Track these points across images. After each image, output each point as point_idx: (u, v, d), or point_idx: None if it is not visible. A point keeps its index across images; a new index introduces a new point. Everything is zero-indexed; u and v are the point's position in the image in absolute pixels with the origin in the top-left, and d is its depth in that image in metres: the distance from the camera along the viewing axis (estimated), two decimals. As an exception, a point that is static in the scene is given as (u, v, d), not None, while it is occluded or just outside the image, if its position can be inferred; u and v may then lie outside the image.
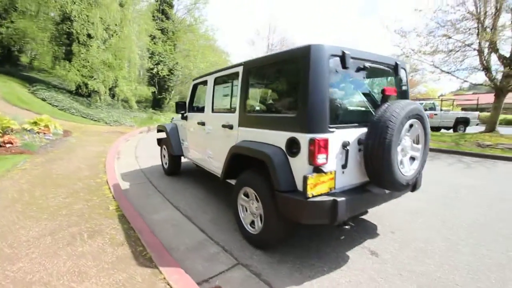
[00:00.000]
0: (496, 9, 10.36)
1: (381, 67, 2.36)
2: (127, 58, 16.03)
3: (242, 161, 2.65)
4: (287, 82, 2.28)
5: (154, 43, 18.80)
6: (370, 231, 2.86)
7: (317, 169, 1.95)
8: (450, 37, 12.01)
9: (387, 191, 2.27)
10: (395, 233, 2.83)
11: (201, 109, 4.13)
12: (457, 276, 2.12)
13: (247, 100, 2.61)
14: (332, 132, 1.98)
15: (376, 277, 2.10)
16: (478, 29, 11.04)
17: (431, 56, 11.77)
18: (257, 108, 2.64)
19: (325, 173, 1.95)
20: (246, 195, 2.58)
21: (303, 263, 2.27)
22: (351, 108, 2.25)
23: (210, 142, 3.34)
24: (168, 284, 1.86)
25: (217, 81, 3.28)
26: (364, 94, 2.30)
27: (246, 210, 2.62)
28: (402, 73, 2.57)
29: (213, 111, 3.31)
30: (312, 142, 1.90)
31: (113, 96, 16.87)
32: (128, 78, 17.23)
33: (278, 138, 2.19)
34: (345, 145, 2.06)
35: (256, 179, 2.39)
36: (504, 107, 12.35)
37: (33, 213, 2.96)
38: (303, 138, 1.96)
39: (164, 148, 5.03)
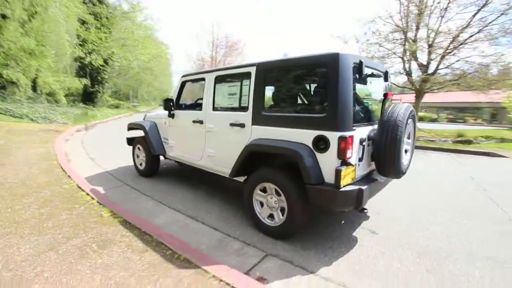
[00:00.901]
0: (416, 24, 12.51)
1: (379, 73, 2.77)
2: (54, 45, 13.79)
3: (257, 158, 2.76)
4: (312, 85, 2.48)
5: (86, 29, 16.59)
6: (360, 214, 3.31)
7: (345, 163, 2.22)
8: (381, 45, 13.99)
9: (386, 179, 2.71)
10: (380, 213, 3.35)
11: (191, 107, 4.02)
12: (437, 241, 2.69)
13: (263, 100, 2.72)
14: (354, 130, 2.28)
15: (384, 250, 2.51)
16: (404, 40, 13.14)
17: (381, 60, 13.58)
18: (276, 107, 2.78)
19: (352, 165, 2.24)
20: (263, 190, 2.71)
21: (323, 248, 2.53)
22: (363, 108, 2.60)
23: (211, 141, 3.32)
24: (221, 281, 1.89)
25: (219, 80, 3.27)
26: (369, 96, 2.68)
27: (262, 205, 2.75)
28: (388, 79, 3.05)
29: (214, 109, 3.29)
30: (342, 139, 2.16)
31: (34, 88, 14.33)
32: (54, 68, 14.88)
33: (303, 136, 2.38)
34: (362, 141, 2.39)
35: (279, 175, 2.54)
36: (421, 106, 15.01)
37: (9, 229, 2.50)
38: (333, 136, 2.20)
39: (139, 148, 4.68)
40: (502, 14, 10.70)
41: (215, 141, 3.26)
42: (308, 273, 2.16)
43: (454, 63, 12.36)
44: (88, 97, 19.43)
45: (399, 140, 2.33)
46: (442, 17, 12.54)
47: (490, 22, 10.86)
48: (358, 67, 2.32)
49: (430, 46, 13.05)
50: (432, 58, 12.98)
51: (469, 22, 11.32)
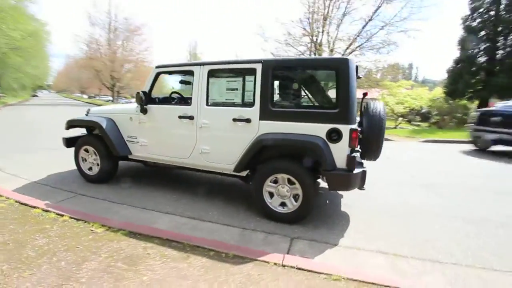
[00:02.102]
0: (322, 30, 14.60)
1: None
2: None
3: (265, 152, 2.91)
4: (324, 83, 2.78)
5: None
6: (334, 193, 3.92)
7: (353, 150, 2.67)
8: (293, 47, 15.65)
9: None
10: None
11: (168, 101, 3.68)
12: (412, 207, 3.55)
13: (271, 96, 2.86)
14: (356, 122, 2.76)
15: (371, 218, 3.15)
16: (311, 43, 15.11)
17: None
18: (285, 103, 2.94)
19: (358, 152, 2.72)
20: (274, 181, 2.90)
21: (328, 224, 2.95)
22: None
23: (205, 137, 3.19)
24: (285, 266, 2.03)
25: (213, 74, 3.15)
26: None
27: (272, 196, 2.94)
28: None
29: (208, 104, 3.17)
30: (354, 130, 2.60)
31: None
32: None
33: (316, 129, 2.69)
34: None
35: (293, 165, 2.79)
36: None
37: (-27, 270, 1.81)
38: (345, 128, 2.61)
39: (86, 150, 3.92)
40: (381, 28, 13.89)
41: (211, 137, 3.17)
42: (333, 246, 2.53)
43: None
44: None
45: (383, 130, 2.97)
46: (339, 26, 15.15)
47: (373, 34, 13.93)
48: (356, 69, 2.79)
49: (331, 50, 15.53)
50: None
51: (360, 33, 14.16)
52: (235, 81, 3.15)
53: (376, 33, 13.82)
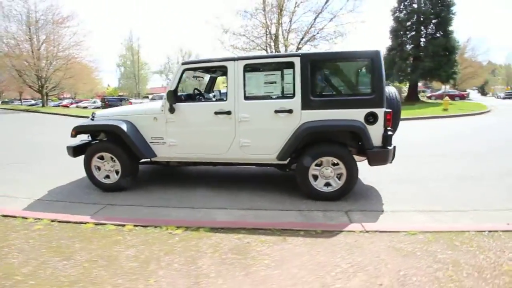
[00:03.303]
0: (277, 21, 15.06)
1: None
2: None
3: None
4: (360, 73, 3.10)
5: None
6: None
7: (387, 130, 3.12)
8: (248, 38, 15.81)
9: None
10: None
11: (194, 98, 3.62)
12: (412, 175, 4.19)
13: (311, 87, 3.10)
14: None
15: (394, 188, 3.69)
16: (266, 35, 15.48)
17: (245, 51, 15.07)
18: (325, 92, 3.20)
19: (391, 131, 3.17)
20: (318, 164, 3.20)
21: (364, 197, 3.37)
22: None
23: (245, 131, 3.28)
24: (367, 231, 2.37)
25: (249, 68, 3.22)
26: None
27: (316, 178, 3.24)
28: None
29: (246, 98, 3.25)
30: (388, 113, 3.04)
31: None
32: None
33: (354, 114, 3.05)
34: None
35: (338, 148, 3.13)
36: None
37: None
38: (380, 112, 3.03)
39: (101, 157, 3.62)
40: (330, 20, 15.00)
41: (251, 130, 3.28)
42: (380, 212, 2.97)
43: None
44: None
45: (400, 111, 3.49)
46: (291, 18, 15.83)
47: (325, 26, 14.97)
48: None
49: (285, 41, 16.18)
50: (289, 50, 16.25)
51: (312, 25, 15.06)
52: (273, 74, 3.29)
53: (327, 24, 14.89)
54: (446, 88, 23.19)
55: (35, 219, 2.76)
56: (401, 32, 21.00)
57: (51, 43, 26.33)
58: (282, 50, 16.16)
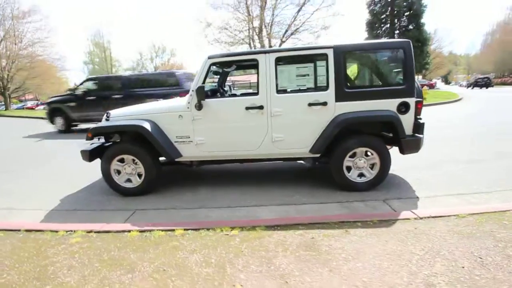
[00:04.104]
0: (261, 15, 14.91)
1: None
2: None
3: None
4: (391, 64, 3.14)
5: None
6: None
7: (417, 119, 3.21)
8: (231, 32, 15.56)
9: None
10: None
11: (218, 93, 3.47)
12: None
13: (344, 78, 3.10)
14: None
15: (418, 174, 3.83)
16: (249, 29, 15.30)
17: (229, 45, 14.81)
18: (358, 84, 3.21)
19: (420, 119, 3.26)
20: (351, 156, 3.23)
21: (394, 186, 3.45)
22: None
23: (278, 125, 3.22)
24: (423, 218, 2.44)
25: (281, 61, 3.15)
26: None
27: (350, 169, 3.27)
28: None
29: (278, 92, 3.18)
30: (419, 102, 3.12)
31: None
32: None
33: (387, 104, 3.10)
34: None
35: (372, 139, 3.17)
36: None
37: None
38: (412, 101, 3.10)
39: (122, 160, 3.39)
40: (312, 13, 15.14)
41: (284, 124, 3.22)
42: (416, 198, 3.07)
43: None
44: None
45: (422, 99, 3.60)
46: (273, 12, 15.76)
47: (307, 19, 15.09)
48: None
49: (268, 34, 16.12)
50: (272, 44, 16.22)
51: (295, 18, 15.12)
52: (305, 67, 3.25)
53: (309, 17, 15.04)
54: (418, 78, 24.49)
55: (67, 231, 2.53)
56: (377, 25, 21.78)
57: (11, 40, 24.08)
58: (266, 44, 16.10)
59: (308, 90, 3.19)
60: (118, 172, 3.47)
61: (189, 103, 3.29)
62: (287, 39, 15.67)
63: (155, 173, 3.44)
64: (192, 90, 3.26)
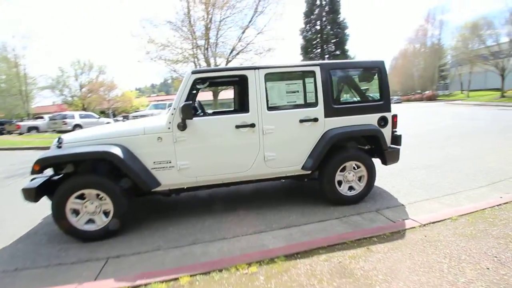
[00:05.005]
0: (206, 36, 14.82)
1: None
2: None
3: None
4: (368, 80, 3.31)
5: None
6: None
7: (394, 131, 3.46)
8: (175, 50, 15.08)
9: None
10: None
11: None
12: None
13: (332, 95, 3.16)
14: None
15: (400, 180, 4.10)
16: (193, 48, 15.04)
17: (174, 63, 14.17)
18: (344, 100, 3.27)
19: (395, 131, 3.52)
20: (342, 170, 3.26)
21: (380, 194, 3.61)
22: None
23: (270, 143, 3.05)
24: (426, 225, 2.53)
25: (270, 77, 3.01)
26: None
27: (341, 183, 3.30)
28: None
29: (269, 109, 3.03)
30: (395, 116, 3.39)
31: None
32: None
33: (369, 119, 3.28)
34: None
35: (360, 152, 3.29)
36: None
37: None
38: (389, 115, 3.35)
39: (81, 196, 2.72)
40: (255, 36, 15.79)
41: (276, 142, 3.08)
42: (402, 205, 3.24)
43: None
44: None
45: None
46: (218, 33, 15.94)
47: (251, 41, 15.63)
48: None
49: (213, 54, 16.14)
50: (218, 64, 16.22)
51: (240, 39, 15.51)
52: (295, 83, 3.19)
53: (253, 40, 15.65)
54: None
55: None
56: (309, 49, 24.11)
57: None
58: (212, 62, 16.03)
59: (298, 106, 3.14)
60: (76, 212, 2.76)
61: (170, 123, 2.88)
62: (233, 58, 15.89)
63: (126, 208, 2.84)
64: (174, 109, 2.87)
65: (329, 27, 23.15)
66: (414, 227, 2.56)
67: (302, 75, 3.17)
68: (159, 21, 14.52)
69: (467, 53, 28.23)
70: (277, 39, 16.06)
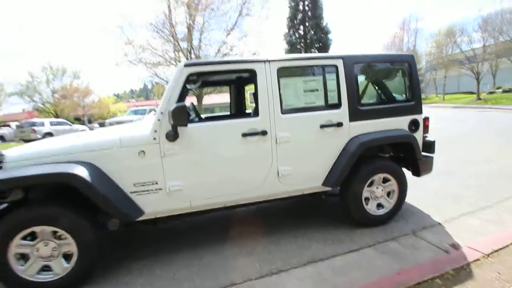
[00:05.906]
0: (189, 39, 14.09)
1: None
2: None
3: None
4: (398, 77, 2.77)
5: None
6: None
7: (425, 137, 2.94)
8: (156, 52, 14.25)
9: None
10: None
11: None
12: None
13: (357, 94, 2.59)
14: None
15: (432, 193, 3.58)
16: (175, 51, 14.28)
17: (154, 66, 13.30)
18: (370, 100, 2.71)
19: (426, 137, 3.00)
20: (370, 184, 2.69)
21: (412, 211, 3.02)
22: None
23: (285, 155, 2.42)
24: (488, 255, 1.99)
25: (284, 73, 2.39)
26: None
27: (368, 200, 2.72)
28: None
29: (283, 112, 2.40)
30: (426, 119, 2.87)
31: None
32: None
33: (400, 122, 2.74)
34: None
35: (390, 163, 2.73)
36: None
37: None
38: (421, 118, 2.83)
39: (34, 235, 1.95)
40: (240, 39, 15.27)
41: (293, 153, 2.45)
42: (439, 224, 2.71)
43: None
44: None
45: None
46: (201, 35, 15.28)
47: (234, 45, 15.10)
48: None
49: (197, 57, 15.44)
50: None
51: (224, 42, 14.91)
52: (314, 80, 2.58)
53: (237, 44, 15.15)
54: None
55: None
56: (294, 54, 23.84)
57: None
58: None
59: (317, 108, 2.53)
60: (24, 257, 1.97)
61: (156, 131, 2.17)
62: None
63: (96, 248, 2.09)
64: (162, 113, 2.17)
65: (312, 32, 23.03)
66: (478, 260, 2.01)
67: (322, 70, 2.57)
68: (138, 22, 13.71)
69: (442, 58, 29.24)
70: (262, 42, 15.71)
